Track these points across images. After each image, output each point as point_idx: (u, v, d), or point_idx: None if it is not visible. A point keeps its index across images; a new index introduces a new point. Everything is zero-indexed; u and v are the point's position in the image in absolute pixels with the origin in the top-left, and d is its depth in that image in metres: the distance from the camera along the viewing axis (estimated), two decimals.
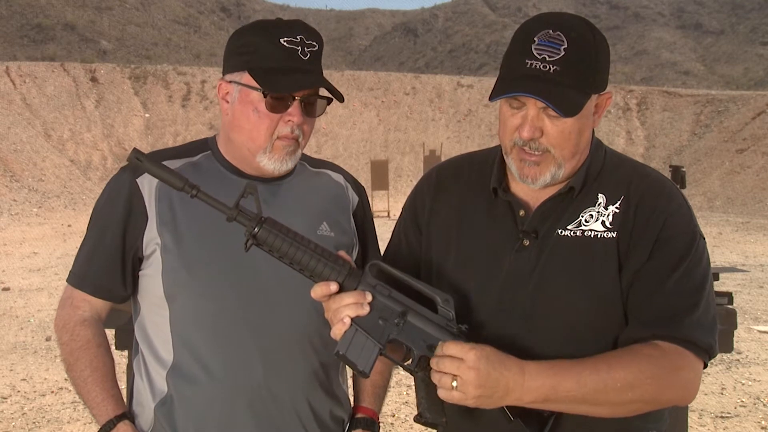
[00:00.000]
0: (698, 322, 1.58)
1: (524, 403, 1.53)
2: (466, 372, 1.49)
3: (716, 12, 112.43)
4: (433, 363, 1.54)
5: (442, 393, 1.52)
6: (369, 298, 1.58)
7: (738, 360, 7.13)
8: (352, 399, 2.05)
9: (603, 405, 1.55)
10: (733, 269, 12.47)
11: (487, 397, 1.50)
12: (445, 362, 1.51)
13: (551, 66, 1.55)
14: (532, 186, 1.66)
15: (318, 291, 1.59)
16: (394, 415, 5.64)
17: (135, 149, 1.63)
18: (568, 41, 1.56)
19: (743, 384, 6.47)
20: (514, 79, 1.58)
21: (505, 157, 1.70)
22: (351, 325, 1.58)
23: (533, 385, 1.51)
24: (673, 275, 1.59)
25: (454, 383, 1.50)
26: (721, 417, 5.66)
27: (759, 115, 29.86)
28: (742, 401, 6.03)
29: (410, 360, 1.63)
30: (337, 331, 1.59)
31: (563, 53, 1.55)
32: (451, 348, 1.52)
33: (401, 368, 1.67)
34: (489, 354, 1.51)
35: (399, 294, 1.62)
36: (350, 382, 2.06)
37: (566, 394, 1.52)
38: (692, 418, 5.52)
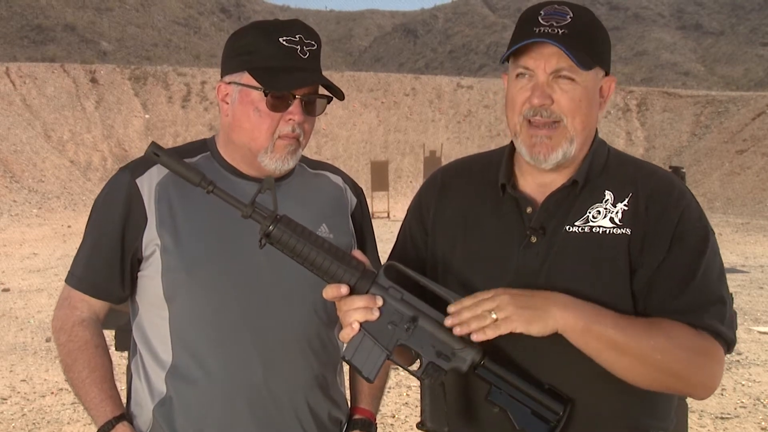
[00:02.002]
0: (723, 316, 1.61)
1: (570, 327, 1.54)
2: (499, 299, 1.53)
3: (716, 13, 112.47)
4: (468, 313, 1.54)
5: (489, 332, 1.52)
6: (379, 302, 1.57)
7: (738, 361, 7.13)
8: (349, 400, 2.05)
9: (635, 357, 1.55)
10: (733, 270, 12.46)
11: (533, 310, 1.53)
12: (478, 305, 1.53)
13: (560, 29, 1.59)
14: (543, 165, 1.66)
15: (329, 292, 1.59)
16: (394, 416, 5.63)
17: (153, 143, 1.64)
18: (573, 12, 1.62)
19: (743, 385, 6.46)
20: (526, 38, 1.62)
21: (514, 140, 1.70)
22: (359, 329, 1.57)
23: (574, 304, 1.55)
24: (696, 271, 1.61)
25: (494, 315, 1.52)
26: (721, 418, 5.66)
27: (759, 116, 29.87)
28: (742, 402, 6.03)
29: (417, 365, 1.61)
30: (345, 336, 1.59)
31: (569, 20, 1.61)
32: (475, 296, 1.56)
33: (406, 371, 1.66)
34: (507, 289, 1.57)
35: (412, 297, 1.60)
36: (347, 383, 2.06)
37: (604, 331, 1.54)
38: (692, 419, 5.51)
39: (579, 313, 1.54)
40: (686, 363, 1.57)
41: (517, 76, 1.65)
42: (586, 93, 1.63)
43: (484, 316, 1.53)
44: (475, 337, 1.54)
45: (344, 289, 1.57)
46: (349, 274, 1.58)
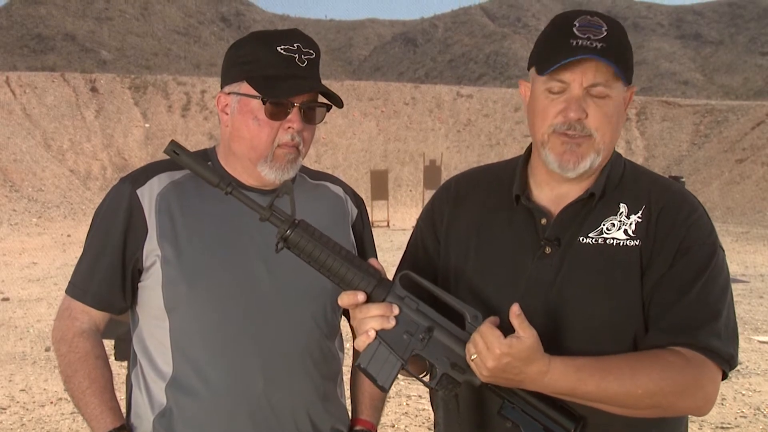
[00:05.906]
0: (719, 332, 1.59)
1: (556, 392, 1.55)
2: (487, 357, 1.49)
3: (715, 22, 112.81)
4: (475, 335, 1.53)
5: (468, 357, 1.53)
6: (396, 311, 1.56)
7: (738, 370, 7.11)
8: (350, 410, 2.04)
9: (619, 407, 1.56)
10: (733, 279, 12.42)
11: (500, 379, 1.53)
12: (478, 342, 1.51)
13: (597, 43, 1.59)
14: (570, 174, 1.66)
15: (345, 299, 1.58)
16: (393, 426, 5.62)
17: (173, 141, 1.63)
18: (607, 25, 1.62)
19: (744, 394, 6.46)
20: (566, 52, 1.60)
21: (540, 149, 1.69)
22: (375, 338, 1.56)
23: (553, 386, 1.53)
24: (694, 285, 1.60)
25: (474, 356, 1.51)
26: (722, 428, 5.65)
27: (758, 125, 29.90)
28: (743, 412, 6.02)
29: (431, 376, 1.60)
30: (361, 343, 1.58)
31: (605, 33, 1.60)
32: (489, 335, 1.50)
33: (420, 382, 1.65)
34: (518, 352, 1.49)
35: (427, 307, 1.59)
36: (348, 393, 2.06)
37: (585, 396, 1.54)
38: (692, 429, 5.50)
39: (558, 388, 1.53)
40: (679, 397, 1.56)
41: (549, 87, 1.64)
42: (617, 107, 1.64)
43: (471, 348, 1.52)
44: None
45: (361, 297, 1.56)
46: (366, 282, 1.56)
